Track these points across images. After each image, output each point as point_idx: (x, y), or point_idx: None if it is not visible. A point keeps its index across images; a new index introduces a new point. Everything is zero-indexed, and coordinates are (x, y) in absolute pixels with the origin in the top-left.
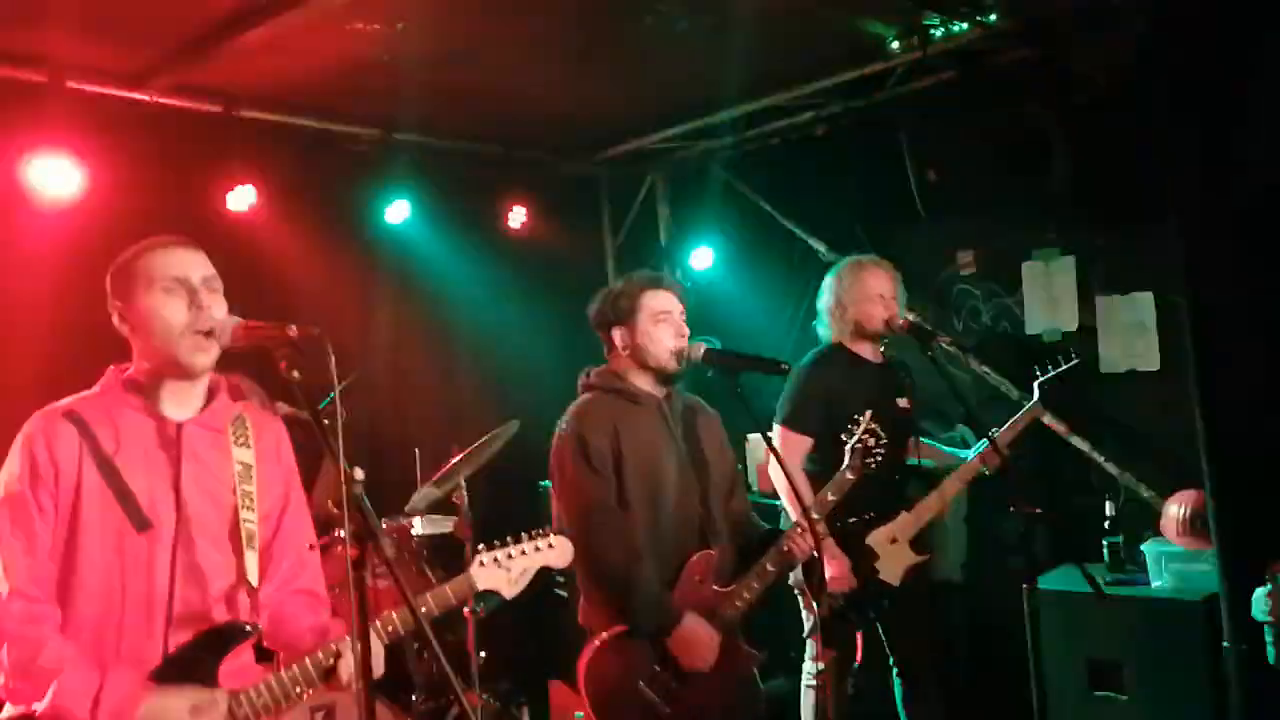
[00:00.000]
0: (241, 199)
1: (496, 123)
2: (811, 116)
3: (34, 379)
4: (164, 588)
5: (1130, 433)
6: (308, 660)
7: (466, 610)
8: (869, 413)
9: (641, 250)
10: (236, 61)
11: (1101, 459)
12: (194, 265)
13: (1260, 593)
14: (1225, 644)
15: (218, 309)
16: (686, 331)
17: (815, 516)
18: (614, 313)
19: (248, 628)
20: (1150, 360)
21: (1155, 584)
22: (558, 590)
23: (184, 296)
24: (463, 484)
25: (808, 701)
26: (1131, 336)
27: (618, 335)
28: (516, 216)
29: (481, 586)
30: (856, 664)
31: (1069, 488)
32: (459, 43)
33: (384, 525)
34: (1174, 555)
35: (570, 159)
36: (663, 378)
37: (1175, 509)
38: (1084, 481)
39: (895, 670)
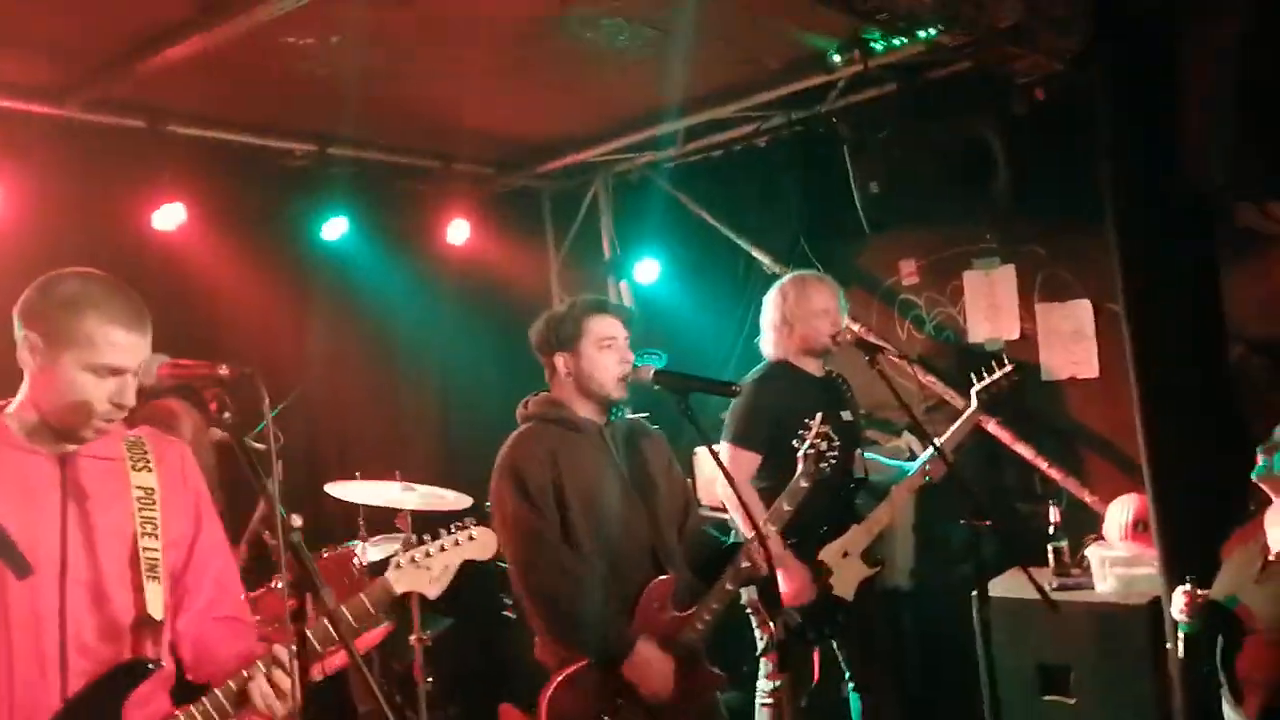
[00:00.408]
0: (169, 217)
1: (435, 136)
2: (754, 129)
3: None
4: (54, 635)
5: (1072, 438)
6: (217, 691)
7: (413, 638)
8: (819, 415)
9: (585, 264)
10: (162, 76)
11: (1044, 465)
12: (135, 355)
13: (1178, 591)
14: (1169, 646)
15: (132, 400)
16: (631, 358)
17: (773, 528)
18: (556, 338)
19: (149, 664)
20: (1089, 367)
21: (1099, 587)
22: (506, 613)
23: (113, 385)
24: (407, 509)
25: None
26: (1071, 344)
27: (560, 361)
28: (457, 231)
29: (400, 590)
30: (814, 683)
31: (1012, 494)
32: (395, 56)
33: (326, 554)
34: (1117, 559)
35: (511, 172)
36: (605, 405)
37: (1118, 513)
38: (1028, 487)
39: (852, 685)
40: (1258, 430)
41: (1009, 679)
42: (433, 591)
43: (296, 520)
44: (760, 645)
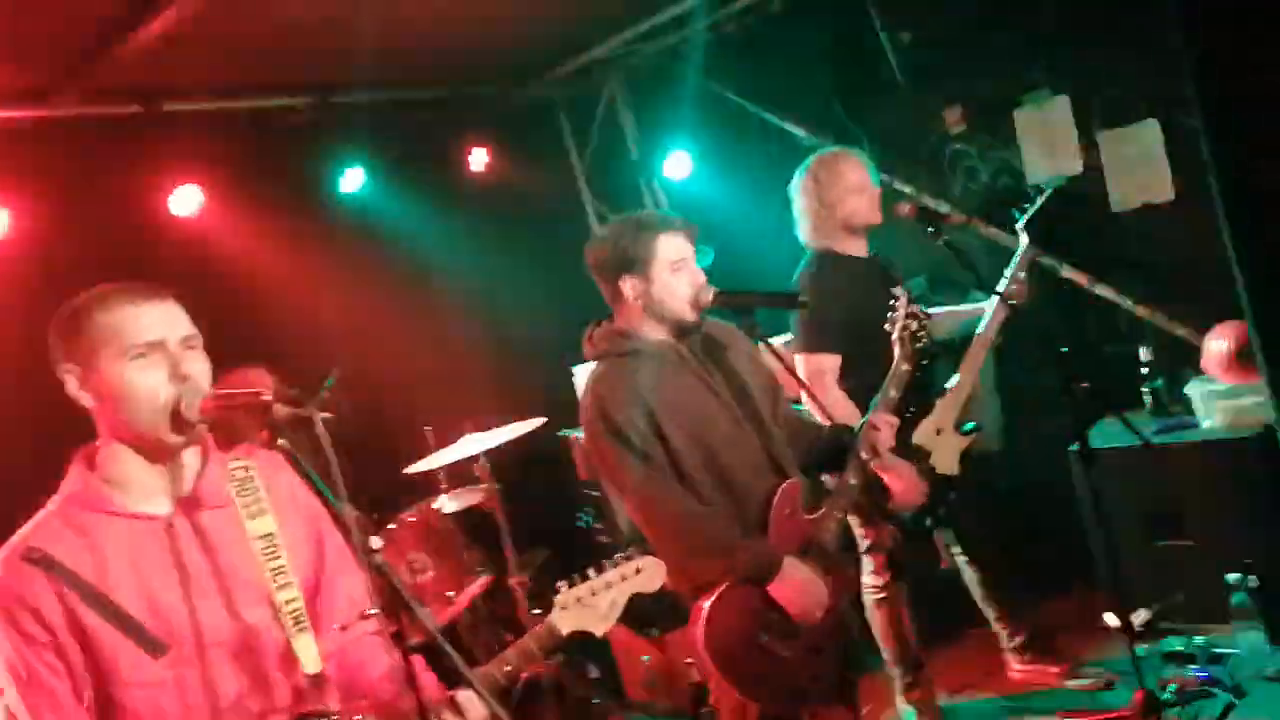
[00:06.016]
0: (186, 201)
1: (435, 62)
2: None
3: None
4: (203, 705)
5: (1154, 270)
6: None
7: (514, 580)
8: (904, 296)
9: (612, 167)
10: (147, 55)
11: (1129, 303)
12: (169, 323)
13: None
14: None
15: (202, 374)
16: (703, 278)
17: (887, 415)
18: (622, 261)
19: (328, 717)
20: (1163, 191)
21: (1205, 424)
22: (600, 539)
23: (164, 365)
24: (483, 455)
25: (879, 618)
26: (1140, 169)
27: (628, 285)
28: (477, 159)
29: (566, 631)
30: (943, 568)
31: (1096, 337)
32: None
33: (412, 518)
34: (1221, 392)
35: (520, 85)
36: (679, 328)
37: (1217, 345)
38: (1111, 328)
39: (963, 556)
40: None
41: (1118, 528)
42: (602, 629)
43: (376, 542)
44: (862, 545)
